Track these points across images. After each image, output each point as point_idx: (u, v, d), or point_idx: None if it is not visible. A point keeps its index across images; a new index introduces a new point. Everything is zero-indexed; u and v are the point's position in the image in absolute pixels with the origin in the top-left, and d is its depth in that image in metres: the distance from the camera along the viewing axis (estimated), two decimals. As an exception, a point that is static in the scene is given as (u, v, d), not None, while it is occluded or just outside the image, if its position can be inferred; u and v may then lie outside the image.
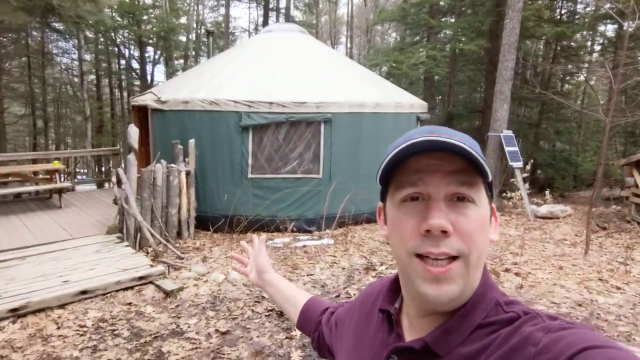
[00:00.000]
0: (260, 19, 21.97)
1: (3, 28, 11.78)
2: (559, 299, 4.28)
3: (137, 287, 4.57)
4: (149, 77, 20.39)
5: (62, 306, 4.11)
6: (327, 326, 0.94)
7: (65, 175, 8.93)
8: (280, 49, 7.90)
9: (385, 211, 0.67)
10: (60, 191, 7.39)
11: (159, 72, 22.81)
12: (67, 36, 16.64)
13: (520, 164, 8.65)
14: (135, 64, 21.24)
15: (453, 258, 0.58)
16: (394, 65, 11.86)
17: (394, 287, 0.73)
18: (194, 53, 18.20)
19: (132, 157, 6.07)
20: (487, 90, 12.04)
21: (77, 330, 3.74)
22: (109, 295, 4.38)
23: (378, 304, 0.74)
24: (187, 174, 6.40)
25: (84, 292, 4.24)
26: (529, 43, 14.89)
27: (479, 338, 0.58)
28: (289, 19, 20.91)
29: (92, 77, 22.20)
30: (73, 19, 11.48)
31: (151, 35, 19.19)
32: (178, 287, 4.53)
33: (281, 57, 7.57)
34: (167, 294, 4.43)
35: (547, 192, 8.55)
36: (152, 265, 4.92)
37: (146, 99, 7.26)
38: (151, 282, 4.66)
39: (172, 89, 7.48)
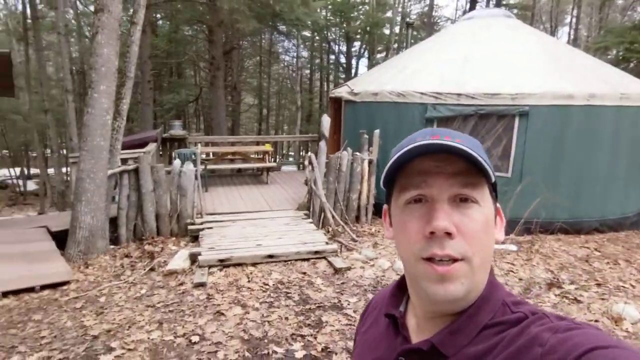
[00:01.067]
0: (467, 6, 20.78)
1: (243, 33, 14.45)
2: None
3: (312, 260, 5.10)
4: (353, 71, 21.91)
5: (254, 264, 4.94)
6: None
7: (273, 157, 10.47)
8: (477, 36, 7.39)
9: (391, 213, 0.68)
10: (268, 170, 8.76)
11: (363, 65, 24.19)
12: (289, 37, 19.21)
13: None
14: (342, 59, 23.12)
15: (457, 260, 0.58)
16: (629, 47, 9.62)
17: (397, 292, 0.75)
18: (395, 45, 18.61)
19: (322, 144, 6.72)
20: None
21: (261, 286, 4.44)
22: (289, 262, 5.03)
23: (383, 310, 0.75)
24: (370, 162, 6.71)
25: (270, 256, 4.99)
26: None
27: (486, 338, 0.58)
28: (499, 3, 19.19)
29: (307, 71, 25.22)
30: (293, 22, 13.23)
31: (358, 30, 20.49)
32: (346, 267, 4.86)
33: (476, 46, 7.08)
34: (336, 270, 4.80)
35: None
36: (327, 243, 5.40)
37: (341, 91, 7.86)
38: (324, 258, 5.13)
39: (364, 82, 7.89)
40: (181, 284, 4.54)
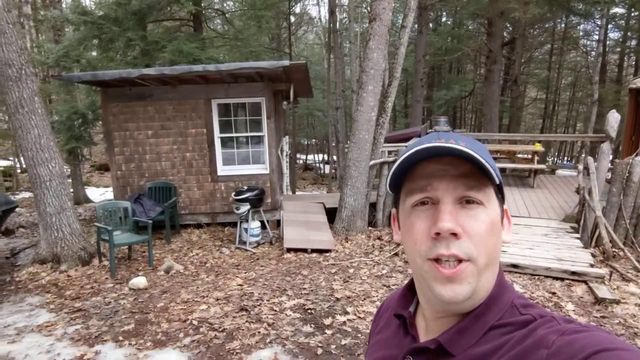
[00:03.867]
0: None
1: (529, 21, 13.13)
2: None
3: (567, 281, 4.36)
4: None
5: (494, 271, 4.63)
6: None
7: (552, 158, 9.19)
8: None
9: (399, 217, 0.69)
10: (535, 172, 7.84)
11: None
12: (588, 18, 16.13)
13: None
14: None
15: (463, 260, 0.59)
16: None
17: (407, 293, 0.76)
18: None
19: (606, 146, 5.53)
20: None
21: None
22: (536, 277, 4.47)
23: (393, 310, 0.76)
24: (679, 173, 5.06)
25: (514, 266, 4.56)
26: None
27: (493, 339, 0.58)
28: None
29: (615, 57, 20.56)
30: (594, 0, 11.09)
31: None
32: (614, 299, 3.92)
33: None
34: (598, 300, 3.95)
35: None
36: (592, 265, 4.47)
37: (646, 80, 6.17)
38: (585, 282, 4.28)
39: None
40: (417, 273, 4.76)
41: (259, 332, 3.49)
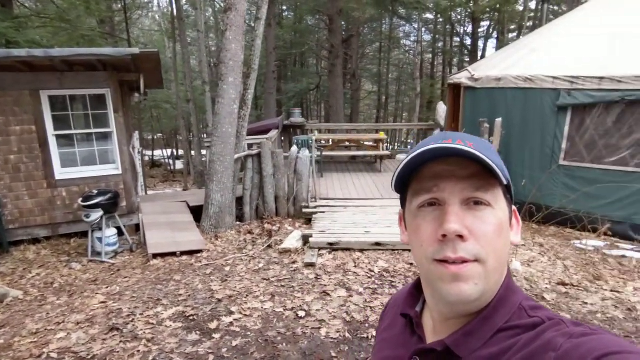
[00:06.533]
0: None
1: (363, 20, 14.51)
2: None
3: (419, 251, 5.04)
4: (479, 53, 20.38)
5: (361, 250, 5.08)
6: None
7: (388, 145, 10.39)
8: (628, 8, 6.30)
9: (405, 218, 0.68)
10: (382, 158, 8.79)
11: (491, 46, 22.32)
12: (410, 21, 18.63)
13: None
14: (467, 41, 21.64)
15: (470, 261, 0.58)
16: None
17: (415, 292, 0.75)
18: (530, 24, 16.78)
19: (437, 133, 6.50)
20: None
21: (367, 272, 4.56)
22: (396, 252, 5.05)
23: (400, 309, 0.76)
24: (489, 153, 6.29)
25: (378, 244, 5.07)
26: None
27: (500, 341, 0.58)
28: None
29: (429, 56, 24.22)
30: (414, 5, 12.85)
31: (486, 9, 18.93)
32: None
33: (627, 20, 6.04)
34: (444, 264, 4.67)
35: None
36: (436, 235, 5.27)
37: (460, 77, 7.45)
38: (432, 250, 5.02)
39: (487, 66, 7.35)
40: (293, 262, 4.91)
41: (139, 351, 3.15)
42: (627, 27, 5.93)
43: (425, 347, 0.65)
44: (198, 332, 3.42)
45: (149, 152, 23.01)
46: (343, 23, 16.28)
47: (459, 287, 0.58)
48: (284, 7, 20.14)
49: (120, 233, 5.59)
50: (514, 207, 0.65)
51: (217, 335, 3.36)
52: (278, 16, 20.22)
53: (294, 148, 6.66)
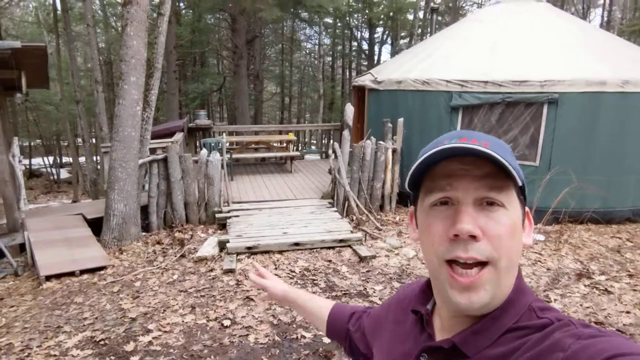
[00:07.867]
0: (494, -12, 20.10)
1: (266, 22, 14.46)
2: None
3: (337, 248, 5.19)
4: (375, 58, 21.62)
5: (280, 252, 5.06)
6: (357, 331, 0.96)
7: (296, 146, 10.52)
8: (505, 21, 7.22)
9: (417, 215, 0.68)
10: (292, 159, 8.85)
11: (386, 52, 23.85)
12: (311, 24, 19.07)
13: None
14: (365, 45, 22.82)
15: (482, 264, 0.58)
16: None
17: (427, 289, 0.75)
18: (419, 31, 18.27)
19: (346, 133, 6.74)
20: None
21: (288, 273, 4.55)
22: (314, 250, 5.13)
23: (411, 305, 0.76)
24: (394, 151, 6.71)
25: (296, 244, 5.10)
26: None
27: (508, 341, 0.58)
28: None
29: (329, 59, 25.02)
30: (315, 9, 13.16)
31: (381, 16, 20.16)
32: (371, 255, 4.92)
33: (504, 31, 6.93)
34: (361, 259, 4.88)
35: None
36: (352, 232, 5.47)
37: (364, 80, 7.83)
38: (349, 246, 5.20)
39: (388, 70, 7.83)
40: (211, 270, 4.70)
41: (41, 389, 2.76)
42: (505, 37, 6.77)
43: (433, 345, 0.65)
44: (112, 357, 3.10)
45: (26, 161, 20.25)
46: (246, 23, 16.07)
47: (469, 297, 0.58)
48: (182, 5, 19.21)
49: (0, 255, 4.83)
50: (526, 208, 0.65)
51: (135, 358, 3.08)
52: (177, 13, 19.19)
53: (204, 151, 6.38)
